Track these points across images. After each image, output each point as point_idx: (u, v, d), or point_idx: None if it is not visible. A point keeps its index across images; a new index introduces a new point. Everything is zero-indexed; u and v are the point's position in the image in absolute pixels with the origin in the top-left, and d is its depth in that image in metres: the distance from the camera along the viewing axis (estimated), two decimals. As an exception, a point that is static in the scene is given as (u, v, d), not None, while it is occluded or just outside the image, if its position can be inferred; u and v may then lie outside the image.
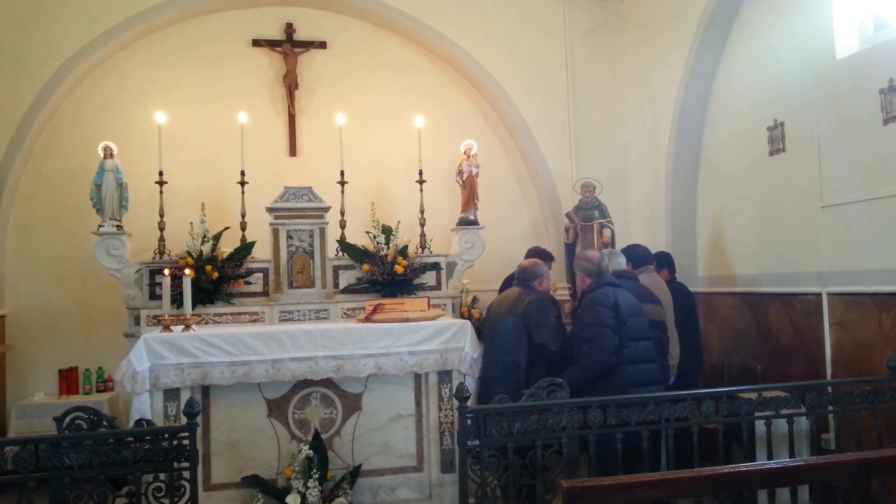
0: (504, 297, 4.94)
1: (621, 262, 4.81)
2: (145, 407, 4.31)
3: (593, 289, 4.35)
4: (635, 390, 4.04)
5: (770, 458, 4.07)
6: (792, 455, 4.05)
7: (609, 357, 4.16)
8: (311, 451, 4.47)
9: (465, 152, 6.61)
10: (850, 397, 4.09)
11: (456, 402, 3.76)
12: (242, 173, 6.32)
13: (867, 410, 4.08)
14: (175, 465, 3.56)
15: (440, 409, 4.79)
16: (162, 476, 3.61)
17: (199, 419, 3.67)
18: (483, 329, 5.11)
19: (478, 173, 6.61)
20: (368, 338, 4.63)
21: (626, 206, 7.64)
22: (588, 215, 6.84)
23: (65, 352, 6.78)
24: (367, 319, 4.89)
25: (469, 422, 3.68)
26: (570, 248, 7.01)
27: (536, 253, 6.32)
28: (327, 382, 4.70)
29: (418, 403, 4.84)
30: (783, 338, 5.82)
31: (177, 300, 5.55)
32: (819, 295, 5.35)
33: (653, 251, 5.86)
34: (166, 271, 4.89)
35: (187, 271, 4.69)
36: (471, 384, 4.66)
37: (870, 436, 4.11)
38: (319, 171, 6.94)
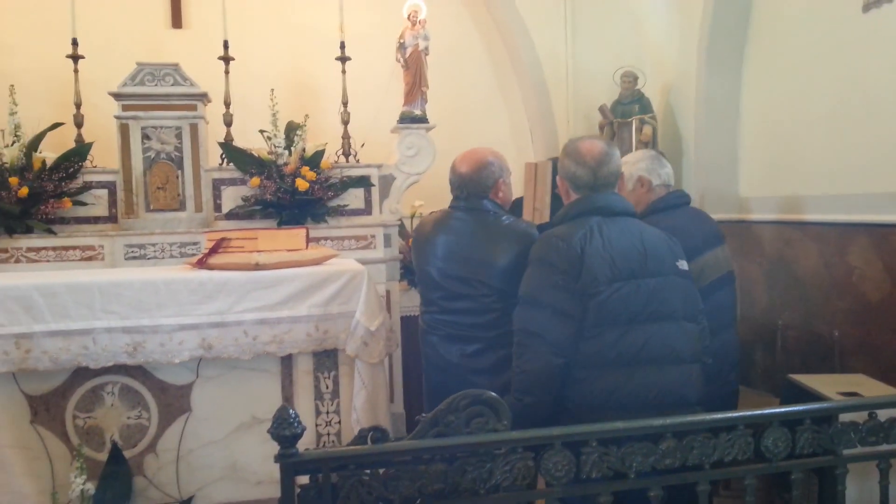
0: (473, 230, 2.58)
1: (669, 174, 3.01)
2: None
3: (559, 221, 2.31)
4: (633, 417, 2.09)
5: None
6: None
7: (552, 360, 2.16)
8: (88, 486, 2.65)
9: (408, 17, 4.66)
10: None
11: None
12: (74, 42, 4.33)
13: None
14: None
15: (317, 413, 2.90)
16: None
17: None
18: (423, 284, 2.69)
19: (426, 48, 4.65)
20: (188, 297, 2.70)
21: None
22: (627, 110, 5.42)
23: None
24: (201, 264, 2.98)
25: (302, 492, 1.81)
26: None
27: None
28: (131, 368, 2.84)
29: (287, 399, 2.98)
30: (870, 289, 3.90)
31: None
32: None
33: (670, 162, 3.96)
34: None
35: None
36: (369, 376, 2.78)
37: None
38: (216, 49, 4.95)
